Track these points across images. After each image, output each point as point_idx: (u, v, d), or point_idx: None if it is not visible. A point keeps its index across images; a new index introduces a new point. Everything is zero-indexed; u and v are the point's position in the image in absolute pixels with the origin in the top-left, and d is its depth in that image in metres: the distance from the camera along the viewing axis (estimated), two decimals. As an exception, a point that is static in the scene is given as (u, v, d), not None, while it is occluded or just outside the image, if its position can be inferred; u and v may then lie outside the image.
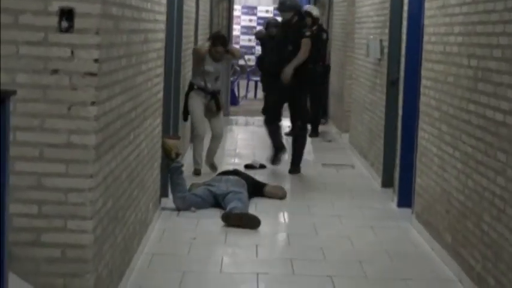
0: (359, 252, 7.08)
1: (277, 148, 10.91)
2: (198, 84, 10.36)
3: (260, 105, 13.14)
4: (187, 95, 10.39)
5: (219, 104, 10.52)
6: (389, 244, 7.35)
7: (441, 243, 6.84)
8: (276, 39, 11.31)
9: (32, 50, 4.38)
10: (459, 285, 6.18)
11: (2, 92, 3.68)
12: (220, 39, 10.53)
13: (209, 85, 10.36)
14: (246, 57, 22.93)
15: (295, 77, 10.45)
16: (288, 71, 10.43)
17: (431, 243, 7.15)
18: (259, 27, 22.21)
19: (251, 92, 20.86)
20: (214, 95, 10.45)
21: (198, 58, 10.40)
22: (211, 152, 10.50)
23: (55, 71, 4.40)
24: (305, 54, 10.51)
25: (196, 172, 10.18)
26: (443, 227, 6.80)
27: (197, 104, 10.34)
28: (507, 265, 5.22)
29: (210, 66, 10.36)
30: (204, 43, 11.09)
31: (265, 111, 11.16)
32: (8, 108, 3.62)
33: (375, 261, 6.81)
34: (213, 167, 10.30)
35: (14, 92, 3.76)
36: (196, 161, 10.32)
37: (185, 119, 10.48)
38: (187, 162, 10.12)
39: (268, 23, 15.11)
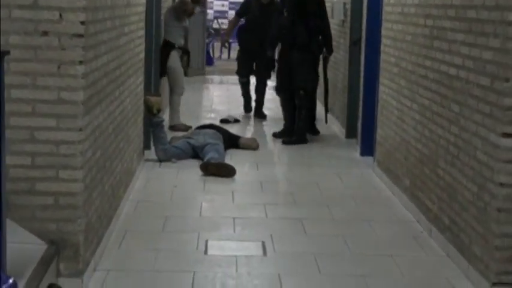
0: (326, 196, 7.13)
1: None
2: (179, 44, 10.01)
3: (234, 65, 12.38)
4: (167, 53, 9.82)
5: (189, 61, 10.28)
6: (353, 189, 7.40)
7: (401, 187, 6.89)
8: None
9: (24, 13, 4.34)
10: (417, 225, 6.24)
11: (-4, 52, 3.65)
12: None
13: (186, 43, 10.20)
14: (220, 20, 22.76)
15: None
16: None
17: (391, 188, 7.20)
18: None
19: (225, 53, 20.73)
20: (187, 52, 10.23)
21: (185, 13, 9.99)
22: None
23: (45, 33, 4.36)
24: None
25: (173, 128, 9.86)
26: (402, 173, 6.85)
27: (178, 62, 9.97)
28: (460, 205, 5.28)
29: (186, 23, 10.15)
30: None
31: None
32: (2, 68, 3.59)
33: (341, 204, 6.86)
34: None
35: (7, 53, 3.73)
36: (172, 118, 10.02)
37: (162, 76, 9.83)
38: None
39: None
